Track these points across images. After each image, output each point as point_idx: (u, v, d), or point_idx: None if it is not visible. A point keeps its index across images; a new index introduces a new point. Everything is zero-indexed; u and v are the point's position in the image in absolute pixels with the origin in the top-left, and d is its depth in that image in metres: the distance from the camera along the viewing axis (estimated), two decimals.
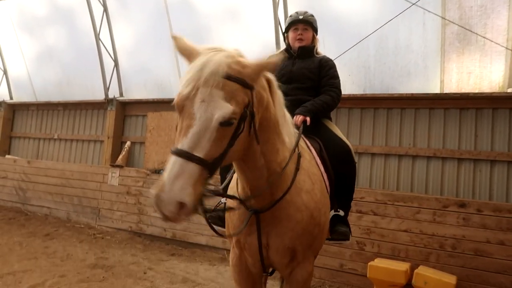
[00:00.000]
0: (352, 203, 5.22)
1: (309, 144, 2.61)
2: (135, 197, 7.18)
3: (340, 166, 2.70)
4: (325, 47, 6.39)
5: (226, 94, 1.67)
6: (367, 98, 6.18)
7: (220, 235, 2.16)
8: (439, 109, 5.75)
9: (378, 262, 4.72)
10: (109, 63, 8.89)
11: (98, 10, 8.68)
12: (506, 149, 5.32)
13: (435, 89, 5.77)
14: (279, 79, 3.02)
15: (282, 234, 2.20)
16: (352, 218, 5.25)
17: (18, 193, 8.93)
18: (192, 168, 1.63)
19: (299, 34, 3.12)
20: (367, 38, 5.95)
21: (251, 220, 2.18)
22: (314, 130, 2.84)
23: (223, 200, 2.66)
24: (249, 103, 1.79)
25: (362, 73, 6.26)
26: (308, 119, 2.73)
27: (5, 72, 10.96)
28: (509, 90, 5.28)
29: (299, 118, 2.72)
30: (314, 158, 2.53)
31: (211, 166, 1.69)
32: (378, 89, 6.12)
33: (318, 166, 2.51)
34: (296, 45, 3.14)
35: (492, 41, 5.22)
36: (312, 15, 3.23)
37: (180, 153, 1.63)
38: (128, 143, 8.65)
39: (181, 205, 1.60)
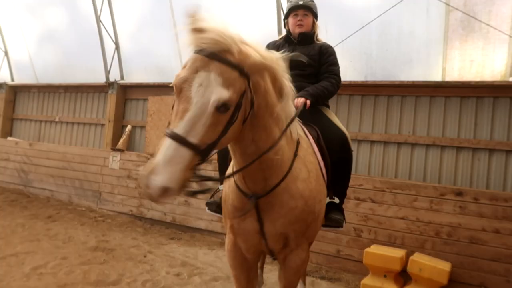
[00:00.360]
0: (351, 190, 5.32)
1: (307, 132, 2.62)
2: (135, 181, 7.23)
3: (337, 154, 2.72)
4: (327, 33, 6.35)
5: (224, 80, 1.69)
6: (368, 85, 6.15)
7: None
8: (440, 97, 5.72)
9: (374, 249, 4.78)
10: (110, 46, 8.84)
11: None
12: (505, 138, 5.31)
13: (437, 77, 5.73)
14: None
15: (274, 220, 2.23)
16: (349, 205, 5.33)
17: (20, 175, 9.01)
18: (185, 153, 1.65)
19: (299, 20, 3.11)
20: (369, 25, 5.88)
21: (246, 205, 2.21)
22: (313, 118, 2.84)
23: (220, 187, 2.69)
24: (245, 92, 1.80)
25: (363, 59, 6.21)
26: (308, 102, 2.75)
27: (6, 54, 10.93)
28: (511, 79, 5.24)
29: (300, 100, 2.74)
30: (312, 145, 2.55)
31: (203, 152, 1.72)
32: (380, 76, 6.08)
33: (315, 153, 2.53)
34: (296, 31, 3.13)
35: (496, 28, 5.16)
36: (312, 0, 3.21)
37: (175, 137, 1.64)
38: (129, 127, 8.68)
39: (167, 189, 1.62)
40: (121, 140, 8.45)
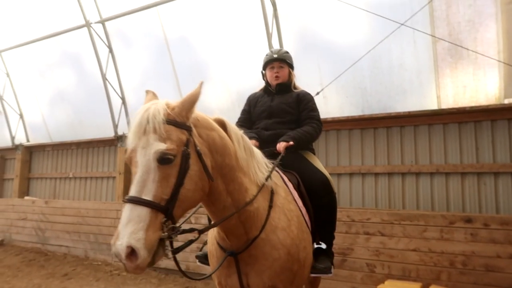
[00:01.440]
0: (359, 224, 5.32)
1: (286, 180, 2.64)
2: None
3: (319, 199, 2.72)
4: (320, 72, 6.56)
5: (159, 136, 1.80)
6: (365, 119, 6.24)
7: (189, 277, 2.17)
8: (438, 125, 5.77)
9: (388, 285, 4.69)
10: (116, 101, 9.23)
11: (103, 51, 9.07)
12: (509, 160, 5.28)
13: (432, 105, 5.81)
14: (259, 114, 3.17)
15: (260, 273, 2.24)
16: (360, 240, 5.30)
17: (38, 233, 9.19)
18: (141, 212, 1.69)
19: (275, 72, 3.22)
20: (360, 60, 6.06)
21: (230, 262, 2.25)
22: (293, 164, 2.87)
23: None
24: (187, 142, 1.89)
25: (359, 94, 6.35)
26: (291, 143, 2.79)
27: (21, 117, 11.45)
28: (505, 101, 5.28)
29: (282, 145, 2.79)
30: (291, 193, 2.57)
31: (165, 209, 1.75)
32: (376, 108, 6.19)
33: (296, 201, 2.54)
34: (274, 82, 3.23)
35: (483, 55, 5.27)
36: (286, 52, 3.32)
37: (129, 199, 1.72)
38: None
39: (132, 251, 1.63)
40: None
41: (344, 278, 5.31)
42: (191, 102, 1.94)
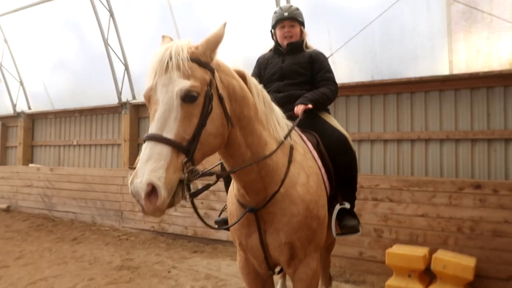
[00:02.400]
0: (367, 190, 5.34)
1: (305, 139, 2.61)
2: None
3: (338, 157, 2.67)
4: (330, 36, 6.40)
5: (183, 73, 1.73)
6: (375, 85, 6.14)
7: (209, 225, 2.12)
8: (449, 91, 5.69)
9: (396, 249, 4.76)
10: (119, 68, 9.07)
11: (104, 16, 8.82)
12: None
13: (444, 70, 5.69)
14: (270, 76, 3.08)
15: (278, 230, 2.21)
16: (368, 206, 5.33)
17: (44, 200, 9.28)
18: (162, 149, 1.62)
19: (286, 32, 3.09)
20: (371, 24, 5.89)
21: (251, 221, 2.23)
22: (311, 124, 2.83)
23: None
24: (211, 82, 1.83)
25: (369, 59, 6.22)
26: (310, 106, 2.74)
27: (21, 84, 11.29)
28: None
29: (300, 107, 2.73)
30: (310, 151, 2.53)
31: (186, 149, 1.69)
32: (386, 74, 6.07)
33: (315, 159, 2.51)
34: (284, 42, 3.11)
35: (499, 17, 5.11)
36: (297, 9, 3.17)
37: (149, 137, 1.66)
38: None
39: (152, 188, 1.56)
40: (138, 158, 8.61)
41: (352, 243, 5.38)
42: (215, 42, 1.87)
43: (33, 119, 11.43)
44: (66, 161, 10.60)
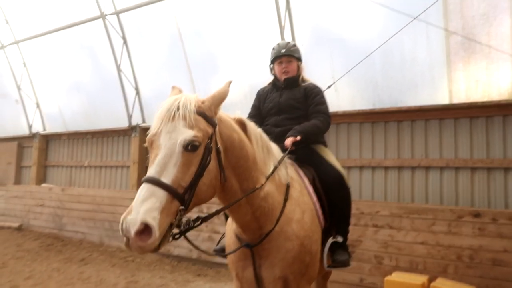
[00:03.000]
0: (368, 217, 5.40)
1: (301, 174, 2.71)
2: None
3: (334, 193, 2.76)
4: (333, 65, 6.59)
5: (188, 123, 1.85)
6: (376, 113, 6.27)
7: (205, 252, 2.24)
8: (449, 119, 5.78)
9: (395, 276, 4.78)
10: (131, 92, 9.39)
11: (118, 42, 9.21)
12: None
13: (444, 100, 5.80)
14: (269, 110, 3.22)
15: (273, 265, 2.30)
16: (368, 232, 5.39)
17: (55, 220, 9.50)
18: (158, 193, 1.70)
19: (284, 67, 3.19)
20: (373, 54, 6.04)
21: (247, 255, 2.35)
22: (307, 158, 2.93)
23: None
24: (212, 135, 1.95)
25: (370, 88, 6.37)
26: (298, 137, 2.79)
27: (38, 106, 11.72)
28: None
29: (289, 140, 2.77)
30: (306, 187, 2.64)
31: (181, 196, 1.76)
32: (387, 103, 6.20)
33: (310, 195, 2.61)
34: (282, 77, 3.21)
35: (497, 49, 5.24)
36: (294, 45, 3.30)
37: (147, 179, 1.74)
38: None
39: (144, 228, 1.62)
40: None
41: (352, 269, 5.39)
42: (220, 98, 2.03)
43: (47, 140, 11.80)
44: (77, 181, 10.88)
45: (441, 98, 5.82)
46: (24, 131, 12.01)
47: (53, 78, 11.08)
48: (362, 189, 6.36)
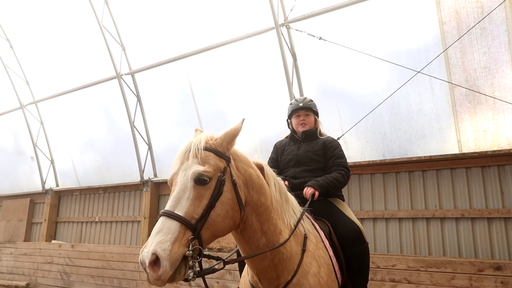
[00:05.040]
0: (384, 271, 5.23)
1: (317, 227, 2.68)
2: None
3: (351, 248, 2.71)
4: (340, 118, 6.74)
5: (200, 160, 2.02)
6: (387, 164, 6.29)
7: None
8: (460, 169, 5.77)
9: None
10: (143, 147, 9.59)
11: (132, 100, 9.57)
12: None
13: (454, 149, 5.83)
14: (287, 162, 3.27)
15: None
16: (386, 287, 5.18)
17: (63, 278, 9.31)
18: (171, 224, 1.83)
19: (301, 120, 3.32)
20: (379, 106, 6.21)
21: None
22: (324, 212, 2.91)
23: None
24: (224, 169, 2.07)
25: (379, 139, 6.45)
26: (317, 193, 2.83)
27: (52, 162, 11.97)
28: None
29: (309, 190, 2.83)
30: (323, 241, 2.60)
31: (194, 226, 1.87)
32: (397, 153, 6.25)
33: (327, 249, 2.57)
34: (300, 130, 3.32)
35: (501, 100, 5.35)
36: (311, 100, 3.42)
37: (163, 213, 1.90)
38: None
39: (156, 259, 1.74)
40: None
41: None
42: (232, 135, 2.16)
43: (60, 196, 11.89)
44: (87, 237, 10.80)
45: (451, 147, 5.86)
46: (37, 188, 12.15)
47: (68, 135, 11.42)
48: (376, 241, 6.22)
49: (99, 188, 10.73)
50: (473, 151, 5.65)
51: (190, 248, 1.82)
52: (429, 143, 6.04)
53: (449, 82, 5.71)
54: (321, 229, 2.72)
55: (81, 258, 9.15)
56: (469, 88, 5.56)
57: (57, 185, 11.88)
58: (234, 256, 2.65)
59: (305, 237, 2.44)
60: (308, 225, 2.61)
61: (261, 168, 2.41)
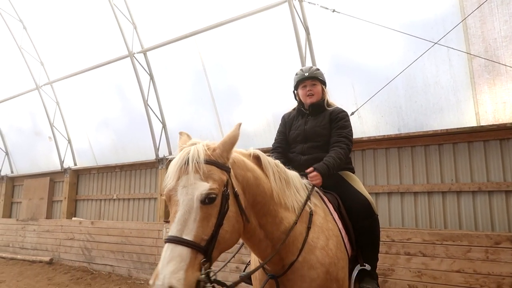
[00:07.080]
0: (399, 244, 5.25)
1: (326, 200, 2.66)
2: None
3: (360, 221, 2.70)
4: (355, 92, 6.64)
5: (202, 175, 1.84)
6: (402, 138, 6.21)
7: None
8: (478, 142, 5.66)
9: None
10: (157, 126, 9.68)
11: (145, 78, 9.60)
12: None
13: (471, 122, 5.71)
14: (294, 138, 3.19)
15: None
16: (400, 260, 5.23)
17: (84, 253, 9.65)
18: (182, 251, 1.71)
19: (308, 91, 3.15)
20: (395, 80, 6.09)
21: (272, 285, 2.32)
22: (334, 185, 2.87)
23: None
24: (227, 182, 1.94)
25: (394, 113, 6.35)
26: (319, 182, 2.71)
27: (69, 142, 12.20)
28: None
29: (313, 176, 2.70)
30: (331, 213, 2.59)
31: (205, 249, 1.77)
32: (412, 127, 6.15)
33: (336, 221, 2.57)
34: (307, 101, 3.17)
35: None
36: (317, 69, 3.26)
37: (170, 239, 1.74)
38: None
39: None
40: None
41: None
42: (231, 143, 2.01)
43: (78, 175, 12.18)
44: (106, 214, 11.09)
45: (468, 120, 5.73)
46: (56, 167, 12.45)
47: (83, 115, 11.59)
48: (391, 216, 6.22)
49: (116, 167, 10.93)
50: (491, 123, 5.52)
51: (202, 272, 1.75)
52: (446, 116, 5.92)
53: (467, 53, 5.53)
54: (330, 202, 2.70)
55: (101, 234, 9.42)
56: (489, 58, 5.39)
57: (75, 164, 12.14)
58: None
59: (311, 214, 2.42)
60: (316, 200, 2.59)
61: (257, 158, 2.31)
